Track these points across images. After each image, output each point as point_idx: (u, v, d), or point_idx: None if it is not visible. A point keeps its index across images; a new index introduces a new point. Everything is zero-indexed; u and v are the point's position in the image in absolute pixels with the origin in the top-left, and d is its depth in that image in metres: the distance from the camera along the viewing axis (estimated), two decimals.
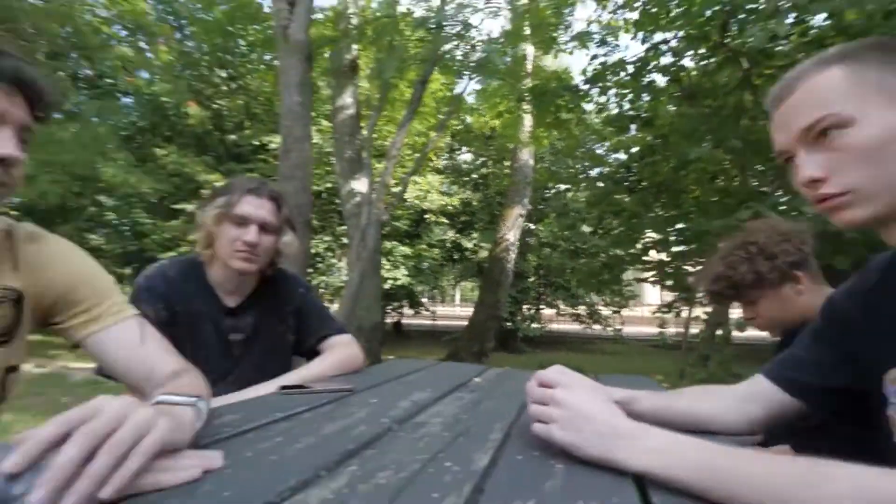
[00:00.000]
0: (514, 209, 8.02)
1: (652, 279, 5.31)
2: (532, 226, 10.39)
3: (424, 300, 12.10)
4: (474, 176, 11.10)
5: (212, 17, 8.73)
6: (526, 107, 4.93)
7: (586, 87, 4.47)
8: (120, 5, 7.37)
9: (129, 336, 0.76)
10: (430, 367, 1.49)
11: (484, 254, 12.11)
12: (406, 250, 9.43)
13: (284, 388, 1.01)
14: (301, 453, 0.57)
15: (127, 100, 9.87)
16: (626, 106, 4.47)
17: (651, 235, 5.00)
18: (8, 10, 5.77)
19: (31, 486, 0.37)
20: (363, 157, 5.89)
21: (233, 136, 9.54)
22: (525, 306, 9.98)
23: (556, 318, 10.79)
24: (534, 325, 9.68)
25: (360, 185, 5.85)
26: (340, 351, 1.27)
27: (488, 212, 10.44)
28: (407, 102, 6.64)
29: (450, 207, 9.99)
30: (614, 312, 10.18)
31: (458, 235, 11.76)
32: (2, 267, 0.69)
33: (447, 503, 0.44)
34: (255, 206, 1.17)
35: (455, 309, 12.84)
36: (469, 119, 9.28)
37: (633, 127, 4.53)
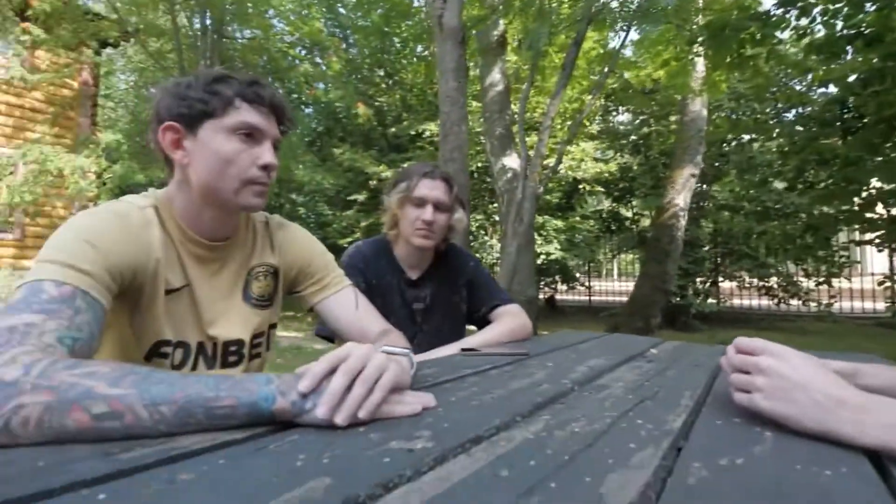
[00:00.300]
0: (683, 170, 7.17)
1: (878, 241, 4.26)
2: (706, 187, 9.18)
3: (579, 275, 11.66)
4: (633, 137, 10.18)
5: (370, 23, 9.58)
6: (698, 49, 4.27)
7: (780, 11, 3.67)
8: (300, 28, 8.60)
9: (347, 302, 0.94)
10: (600, 337, 1.47)
11: (646, 222, 11.14)
12: (558, 223, 9.20)
13: (465, 350, 1.12)
14: (496, 401, 0.64)
15: (308, 110, 11.52)
16: (839, 24, 3.54)
17: (877, 185, 3.98)
18: (225, 52, 7.33)
19: (315, 404, 0.50)
20: (514, 133, 5.90)
21: (392, 129, 10.40)
22: (698, 279, 8.91)
23: (739, 293, 9.38)
24: (710, 300, 8.60)
25: (512, 161, 5.88)
26: (511, 319, 1.34)
27: (651, 175, 9.51)
28: (557, 69, 6.40)
29: (606, 175, 9.37)
30: (819, 284, 8.42)
31: (615, 204, 11.02)
32: (264, 248, 0.91)
33: (646, 454, 0.46)
34: (430, 188, 1.31)
35: (613, 284, 12.09)
36: (627, 75, 8.44)
37: (849, 50, 3.58)
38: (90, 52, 7.05)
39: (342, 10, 10.17)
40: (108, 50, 9.01)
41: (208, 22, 7.39)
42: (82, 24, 6.68)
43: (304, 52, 9.19)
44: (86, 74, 7.85)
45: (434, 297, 1.42)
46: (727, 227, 8.50)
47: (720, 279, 9.29)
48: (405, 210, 1.33)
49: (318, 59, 9.12)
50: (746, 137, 8.00)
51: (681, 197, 7.11)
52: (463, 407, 0.61)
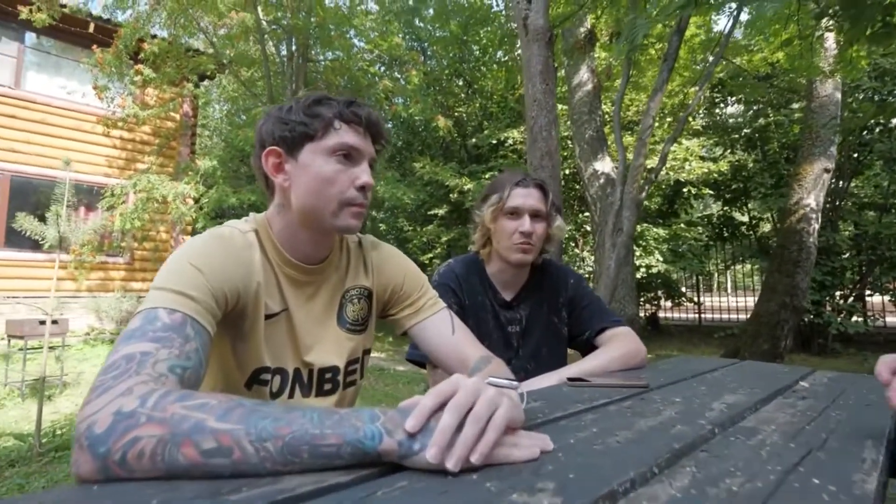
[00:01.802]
0: (813, 164, 6.42)
1: None
2: (842, 183, 8.14)
3: (685, 289, 10.84)
4: (747, 131, 9.36)
5: (448, 33, 9.85)
6: (829, 23, 3.78)
7: None
8: (380, 46, 9.07)
9: (443, 326, 0.92)
10: (729, 365, 1.32)
11: (766, 227, 10.15)
12: (660, 232, 8.65)
13: (571, 380, 1.05)
14: (624, 446, 0.58)
15: (388, 125, 12.05)
16: None
17: None
18: (309, 75, 7.96)
19: (423, 445, 0.47)
20: (606, 135, 5.68)
21: (473, 140, 10.51)
22: (838, 293, 7.85)
23: (895, 309, 8.13)
24: (854, 319, 7.52)
25: (604, 165, 5.66)
26: (622, 344, 1.25)
27: (771, 173, 8.65)
28: (653, 61, 6.09)
29: (714, 175, 8.68)
30: None
31: (727, 208, 10.16)
32: (358, 270, 0.92)
33: None
34: (525, 197, 1.26)
35: (727, 299, 11.07)
36: (737, 60, 7.72)
37: None
38: (190, 86, 7.96)
39: (420, 24, 10.58)
40: (205, 82, 10.13)
41: (294, 48, 8.03)
42: (184, 60, 7.58)
43: (383, 69, 9.68)
44: (186, 107, 8.88)
45: (530, 318, 1.36)
46: (874, 230, 7.44)
47: (867, 293, 8.13)
48: (499, 224, 1.29)
49: (397, 75, 9.56)
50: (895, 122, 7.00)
51: (811, 196, 6.36)
52: (586, 452, 0.56)
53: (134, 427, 0.46)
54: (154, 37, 7.48)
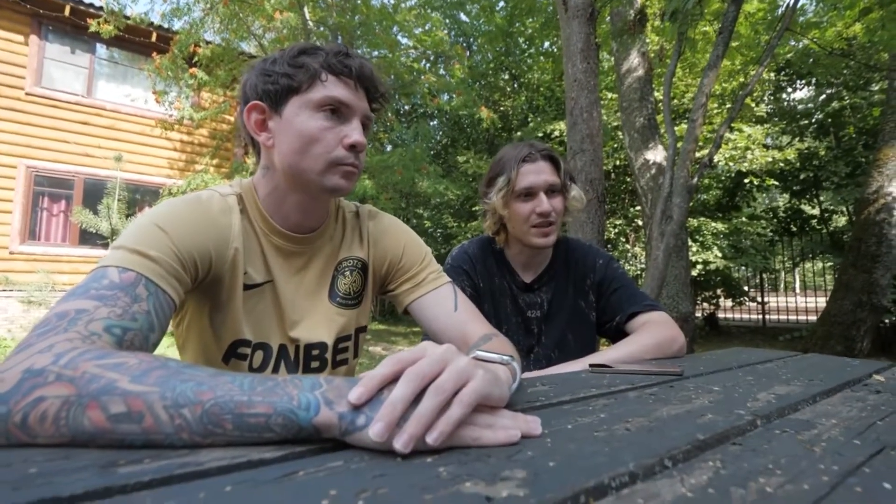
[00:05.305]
0: (894, 148, 5.82)
1: None
2: None
3: (748, 288, 10.12)
4: (818, 116, 8.62)
5: (493, 27, 9.69)
6: None
7: None
8: (424, 41, 9.04)
9: (445, 301, 0.83)
10: (788, 357, 1.16)
11: (840, 221, 9.34)
12: (719, 226, 8.10)
13: (594, 366, 0.94)
14: (633, 434, 0.47)
15: (433, 122, 12.03)
16: None
17: None
18: None
19: (369, 419, 0.39)
20: (658, 123, 5.39)
21: (518, 133, 10.32)
22: None
23: None
24: None
25: (656, 154, 5.36)
26: (656, 330, 1.11)
27: (846, 161, 7.91)
28: (710, 40, 5.70)
29: (780, 164, 8.02)
30: None
31: (794, 200, 9.41)
32: (353, 241, 0.86)
33: None
34: (536, 173, 1.15)
35: (795, 299, 10.27)
36: (804, 41, 7.05)
37: None
38: None
39: (465, 19, 10.48)
40: None
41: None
42: (236, 64, 7.85)
43: (427, 66, 9.65)
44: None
45: (553, 302, 1.25)
46: None
47: None
48: (513, 208, 1.18)
49: (442, 72, 9.50)
50: None
51: (894, 184, 5.76)
52: (582, 439, 0.45)
53: (40, 386, 0.40)
54: (208, 43, 7.78)
